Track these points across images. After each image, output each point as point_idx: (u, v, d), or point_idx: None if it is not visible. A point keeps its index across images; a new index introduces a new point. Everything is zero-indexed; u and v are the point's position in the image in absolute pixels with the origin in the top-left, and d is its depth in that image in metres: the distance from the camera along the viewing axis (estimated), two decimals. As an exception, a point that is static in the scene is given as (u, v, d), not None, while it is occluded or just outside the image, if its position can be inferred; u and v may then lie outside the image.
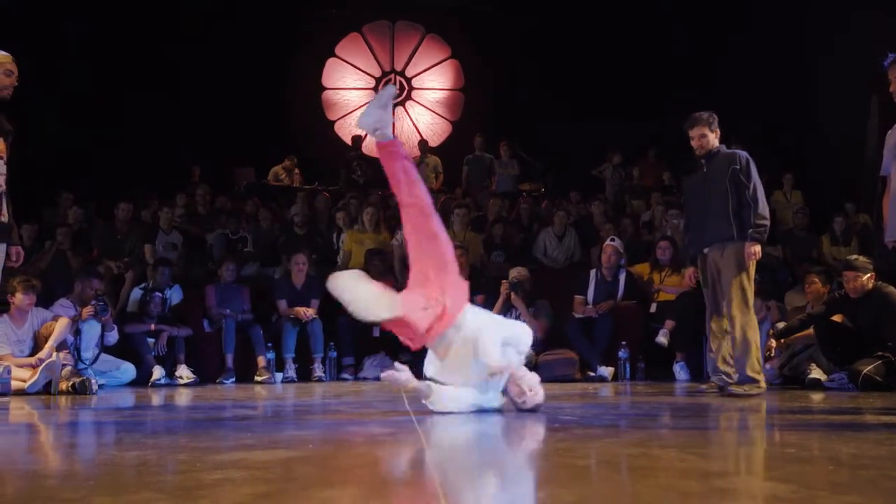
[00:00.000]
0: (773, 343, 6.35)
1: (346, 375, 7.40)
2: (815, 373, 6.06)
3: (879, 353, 5.62)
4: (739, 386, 5.20)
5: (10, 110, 4.55)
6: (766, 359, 6.46)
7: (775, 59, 10.93)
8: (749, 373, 5.17)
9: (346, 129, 13.95)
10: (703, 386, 5.76)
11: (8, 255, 4.52)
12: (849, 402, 4.92)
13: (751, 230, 5.12)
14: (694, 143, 5.40)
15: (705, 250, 5.40)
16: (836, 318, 5.97)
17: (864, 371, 5.53)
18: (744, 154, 5.28)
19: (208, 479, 2.35)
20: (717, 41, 11.59)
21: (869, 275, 5.84)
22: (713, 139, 5.37)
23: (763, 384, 5.25)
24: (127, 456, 2.96)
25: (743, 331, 5.17)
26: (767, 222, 5.21)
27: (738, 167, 5.20)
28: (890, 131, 4.35)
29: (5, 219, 4.46)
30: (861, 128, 9.85)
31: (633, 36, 12.34)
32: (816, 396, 5.42)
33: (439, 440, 3.26)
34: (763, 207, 5.18)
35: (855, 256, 6.25)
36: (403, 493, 2.28)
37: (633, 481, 2.40)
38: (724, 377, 5.43)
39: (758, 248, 5.17)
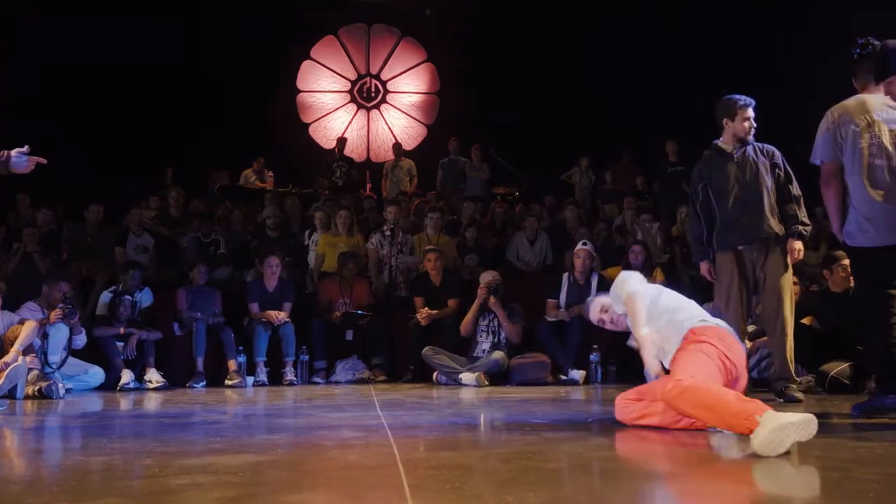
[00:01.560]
0: (748, 344, 6.37)
1: (317, 379, 7.36)
2: (783, 376, 6.10)
3: (850, 355, 5.68)
4: (793, 386, 5.03)
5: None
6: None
7: (747, 68, 11.03)
8: (792, 371, 5.09)
9: (321, 132, 13.93)
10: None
11: None
12: (816, 404, 4.96)
13: (800, 227, 5.00)
14: (747, 125, 5.10)
15: (741, 247, 5.11)
16: (806, 320, 6.02)
17: (832, 373, 5.59)
18: (777, 150, 5.15)
19: (175, 483, 2.33)
20: (689, 45, 11.68)
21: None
22: None
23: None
24: (93, 461, 2.92)
25: (791, 332, 5.07)
26: (809, 222, 5.14)
27: (778, 163, 5.08)
28: (827, 117, 4.23)
29: None
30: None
31: (607, 41, 12.41)
32: (777, 398, 5.46)
33: (409, 444, 3.25)
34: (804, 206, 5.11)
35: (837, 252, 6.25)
36: (372, 497, 2.27)
37: (602, 483, 2.41)
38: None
39: (802, 247, 5.06)
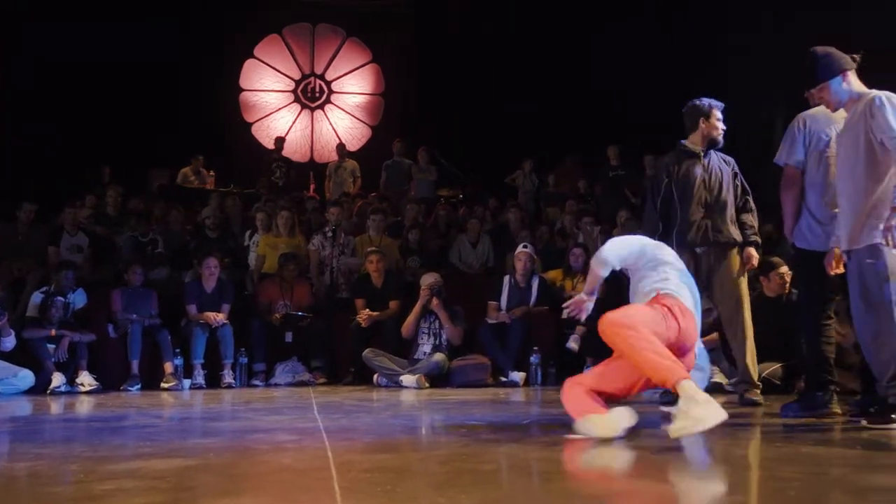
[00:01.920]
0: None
1: (256, 382, 7.26)
2: (718, 377, 6.23)
3: (782, 356, 5.82)
4: (753, 392, 5.08)
5: None
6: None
7: (686, 76, 11.22)
8: (753, 375, 5.11)
9: (264, 131, 13.77)
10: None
11: None
12: (749, 405, 5.06)
13: (754, 237, 5.09)
14: (719, 127, 5.11)
15: (699, 250, 5.11)
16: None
17: (764, 374, 5.71)
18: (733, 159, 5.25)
19: (99, 489, 2.28)
20: (631, 50, 11.84)
21: (786, 272, 6.00)
22: None
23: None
24: (17, 467, 2.85)
25: (750, 336, 5.10)
26: None
27: (737, 172, 5.16)
28: (796, 122, 4.34)
29: None
30: (767, 141, 10.22)
31: (552, 43, 12.52)
32: (718, 400, 5.56)
33: (344, 447, 3.23)
34: None
35: (773, 258, 6.39)
36: (302, 500, 2.25)
37: (535, 485, 2.43)
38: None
39: (757, 255, 5.15)
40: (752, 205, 5.19)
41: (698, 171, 5.16)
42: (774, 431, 3.74)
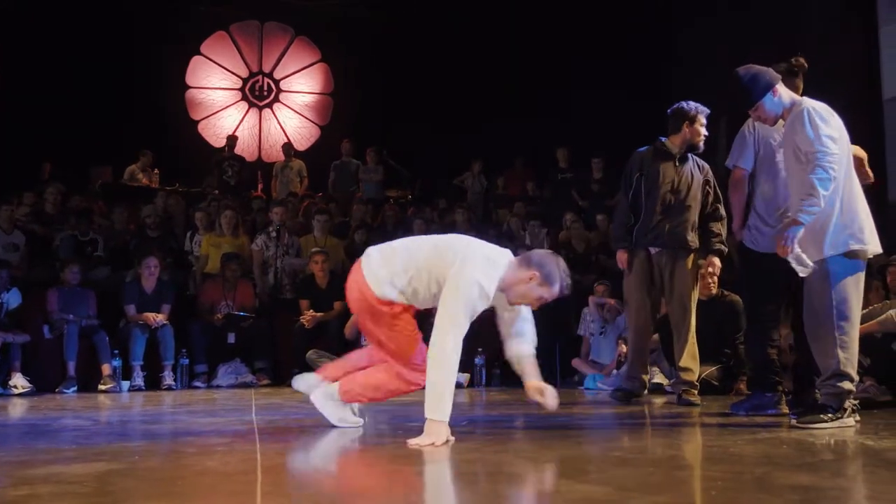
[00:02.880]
0: (624, 348, 6.54)
1: (198, 383, 7.15)
2: (658, 377, 6.32)
3: (718, 358, 5.92)
4: (690, 392, 5.15)
5: None
6: (619, 364, 6.69)
7: (628, 72, 11.34)
8: (694, 379, 5.19)
9: (211, 129, 13.58)
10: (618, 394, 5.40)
11: None
12: (686, 405, 5.14)
13: (720, 245, 5.14)
14: (701, 131, 5.13)
15: (654, 250, 5.21)
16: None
17: (703, 375, 5.79)
18: (708, 166, 5.28)
19: (12, 494, 2.21)
20: (582, 52, 11.93)
21: (715, 277, 6.08)
22: None
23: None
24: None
25: (692, 339, 5.19)
26: None
27: (710, 180, 5.19)
28: (747, 126, 4.35)
29: None
30: (711, 147, 10.36)
31: (502, 43, 12.57)
32: (658, 400, 5.65)
33: (275, 449, 3.19)
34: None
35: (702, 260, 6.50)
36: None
37: (457, 487, 2.42)
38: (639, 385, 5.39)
39: (719, 263, 5.23)
40: (723, 213, 5.21)
41: (670, 171, 5.20)
42: (707, 432, 3.79)
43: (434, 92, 12.63)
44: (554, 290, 3.35)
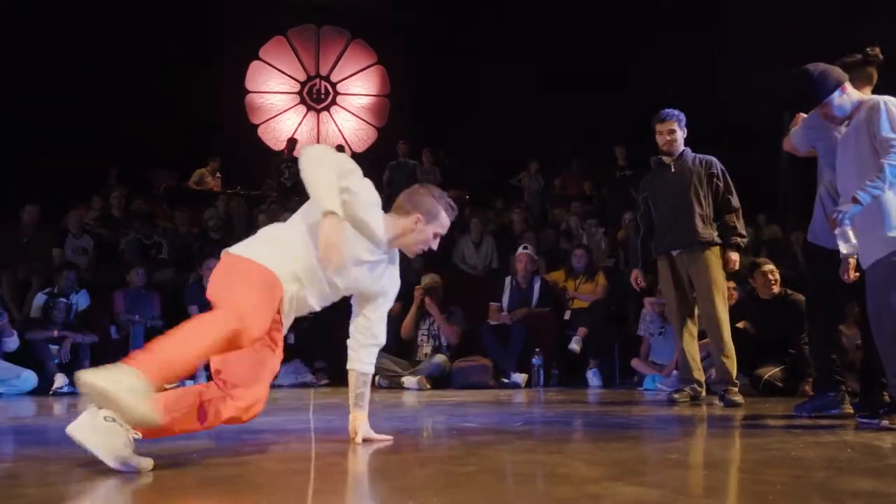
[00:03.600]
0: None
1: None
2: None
3: (782, 359, 5.78)
4: (733, 392, 5.09)
5: None
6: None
7: (691, 71, 11.18)
8: (732, 377, 5.11)
9: (270, 133, 13.80)
10: (675, 395, 5.36)
11: None
12: (748, 407, 5.03)
13: (737, 238, 5.11)
14: (661, 139, 5.28)
15: (674, 252, 5.27)
16: (740, 324, 6.11)
17: (766, 377, 5.67)
18: (718, 162, 5.25)
19: (71, 490, 2.28)
20: (635, 53, 11.81)
21: (773, 269, 5.97)
22: (681, 138, 5.29)
23: (703, 393, 5.25)
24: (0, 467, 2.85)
25: (726, 334, 5.12)
26: (745, 233, 5.25)
27: (716, 173, 5.18)
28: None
29: None
30: (776, 142, 10.11)
31: (559, 45, 12.49)
32: (719, 402, 5.53)
33: (330, 449, 3.22)
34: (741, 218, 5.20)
35: (758, 258, 6.39)
36: (272, 502, 2.24)
37: (508, 488, 2.41)
38: (696, 386, 5.31)
39: (738, 257, 5.17)
40: (736, 203, 5.18)
41: (668, 179, 5.33)
42: (768, 434, 3.70)
43: (489, 92, 12.62)
44: (443, 220, 3.24)
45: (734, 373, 5.13)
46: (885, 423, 3.67)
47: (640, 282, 5.55)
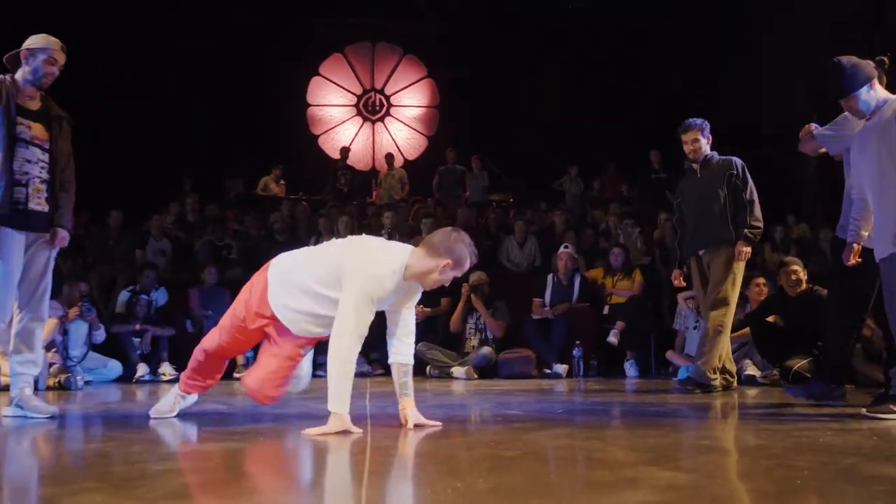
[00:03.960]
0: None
1: (320, 372, 7.28)
2: (750, 369, 6.10)
3: (815, 351, 5.66)
4: (684, 384, 5.10)
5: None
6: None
7: (721, 75, 10.97)
8: (706, 372, 5.02)
9: (329, 143, 13.95)
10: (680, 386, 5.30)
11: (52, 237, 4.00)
12: (778, 396, 4.94)
13: (745, 230, 5.03)
14: (687, 148, 5.26)
15: (700, 252, 5.25)
16: (771, 318, 6.00)
17: (795, 367, 5.56)
18: (739, 161, 5.18)
19: (152, 469, 2.33)
20: (668, 62, 11.65)
21: (802, 267, 5.85)
22: (705, 145, 5.25)
23: (718, 384, 5.09)
24: (89, 448, 2.94)
25: (716, 331, 5.04)
26: (762, 225, 5.13)
27: (735, 173, 5.11)
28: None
29: (39, 207, 3.89)
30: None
31: (591, 62, 12.38)
32: (750, 392, 5.45)
33: (384, 433, 3.25)
34: (758, 210, 5.10)
35: (787, 257, 6.27)
36: (331, 481, 2.27)
37: (550, 471, 2.41)
38: (728, 377, 5.23)
39: (748, 249, 5.07)
40: (748, 197, 5.09)
41: (693, 184, 5.33)
42: (797, 423, 3.62)
43: (532, 101, 12.58)
44: (465, 267, 3.31)
45: (708, 368, 5.05)
46: (863, 410, 3.58)
47: (679, 282, 5.51)
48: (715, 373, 5.08)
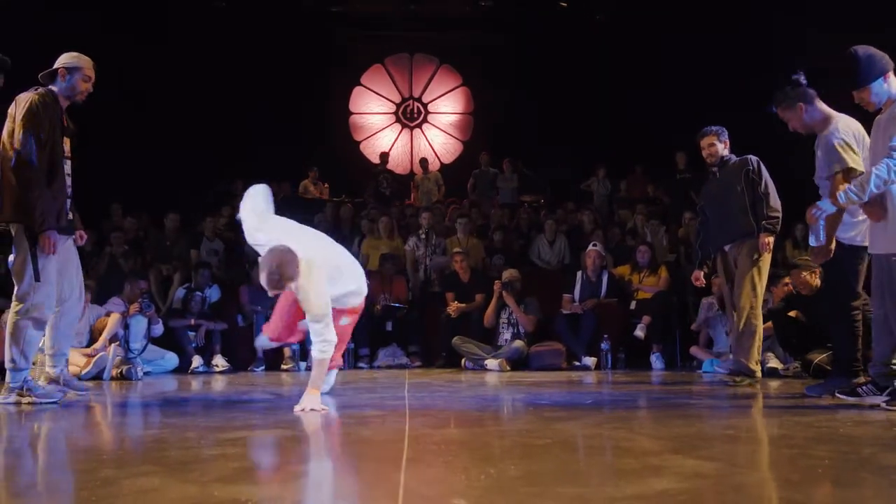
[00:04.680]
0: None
1: (361, 364, 7.40)
2: (773, 362, 5.98)
3: (829, 345, 5.53)
4: (731, 376, 4.94)
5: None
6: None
7: (742, 78, 10.75)
8: (747, 363, 4.90)
9: (371, 149, 14.01)
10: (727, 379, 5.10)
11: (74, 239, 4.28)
12: (799, 388, 4.84)
13: (763, 222, 4.92)
14: (704, 153, 5.24)
15: (727, 248, 5.14)
16: (792, 313, 5.88)
17: (816, 360, 5.44)
18: (754, 157, 5.11)
19: (206, 454, 2.37)
20: (689, 69, 11.48)
21: (812, 273, 5.71)
22: (722, 148, 5.18)
23: (759, 375, 4.96)
24: (147, 434, 2.99)
25: (748, 321, 4.89)
26: (779, 214, 4.99)
27: (751, 168, 5.03)
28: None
29: (70, 216, 4.15)
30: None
31: (621, 62, 12.25)
32: (773, 384, 5.34)
33: (422, 422, 3.25)
34: (774, 200, 4.98)
35: (800, 258, 6.13)
36: (370, 468, 2.28)
37: (578, 459, 2.39)
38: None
39: (770, 239, 4.94)
40: (763, 191, 4.96)
41: (714, 185, 5.28)
42: (818, 413, 3.54)
43: (561, 107, 12.50)
44: (263, 277, 3.55)
45: (747, 361, 4.90)
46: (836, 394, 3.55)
47: (700, 282, 5.45)
48: (756, 364, 4.95)
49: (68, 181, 4.09)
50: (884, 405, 3.41)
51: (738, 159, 5.16)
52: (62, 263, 4.07)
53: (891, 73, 3.56)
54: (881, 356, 3.49)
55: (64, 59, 4.06)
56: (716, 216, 5.24)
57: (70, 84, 4.02)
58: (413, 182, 12.27)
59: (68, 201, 4.06)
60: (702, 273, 5.40)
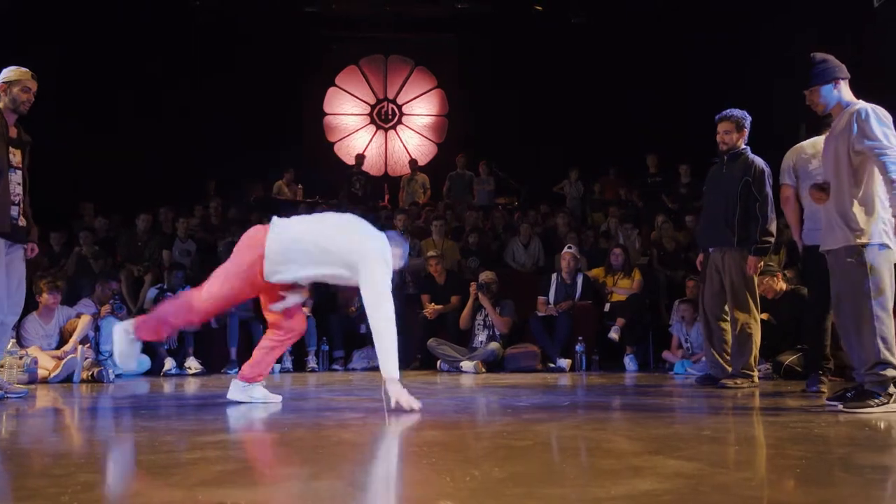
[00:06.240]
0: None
1: (336, 367, 7.37)
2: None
3: (799, 346, 5.64)
4: (732, 379, 4.94)
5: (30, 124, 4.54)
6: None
7: (714, 86, 10.90)
8: (744, 369, 4.94)
9: (345, 150, 13.95)
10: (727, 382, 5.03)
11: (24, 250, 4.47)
12: (771, 388, 4.92)
13: (756, 245, 4.84)
14: (718, 138, 5.03)
15: (710, 249, 5.11)
16: (763, 315, 5.96)
17: (786, 362, 5.54)
18: (760, 164, 4.91)
19: (186, 457, 2.33)
20: (667, 72, 11.62)
21: (773, 277, 5.82)
22: (737, 139, 4.97)
23: (756, 380, 5.01)
24: (123, 438, 2.94)
25: (742, 329, 4.92)
26: (772, 239, 4.92)
27: (751, 179, 4.88)
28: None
29: (23, 223, 4.38)
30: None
31: (592, 65, 12.33)
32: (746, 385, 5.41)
33: (400, 423, 3.25)
34: (771, 223, 4.86)
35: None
36: (352, 470, 2.27)
37: (561, 460, 2.40)
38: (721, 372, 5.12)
39: (761, 263, 4.95)
40: (763, 209, 4.88)
41: (716, 177, 5.15)
42: (792, 414, 3.60)
43: (535, 110, 12.56)
44: None
45: (744, 367, 4.97)
46: (840, 406, 3.52)
47: (699, 265, 5.35)
48: (752, 369, 4.99)
49: (17, 189, 4.31)
50: (841, 406, 3.50)
51: (745, 160, 4.97)
52: (6, 270, 4.22)
53: (842, 82, 3.66)
54: (862, 363, 3.52)
55: (4, 75, 4.33)
56: (710, 212, 5.16)
57: (11, 97, 4.30)
58: (389, 184, 12.23)
59: (13, 208, 4.26)
60: (703, 258, 5.30)
